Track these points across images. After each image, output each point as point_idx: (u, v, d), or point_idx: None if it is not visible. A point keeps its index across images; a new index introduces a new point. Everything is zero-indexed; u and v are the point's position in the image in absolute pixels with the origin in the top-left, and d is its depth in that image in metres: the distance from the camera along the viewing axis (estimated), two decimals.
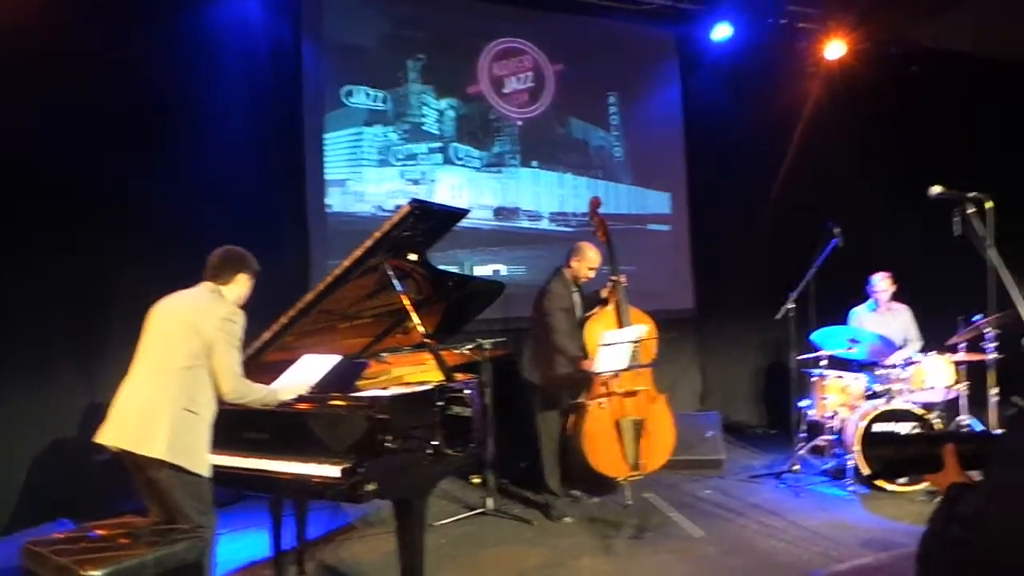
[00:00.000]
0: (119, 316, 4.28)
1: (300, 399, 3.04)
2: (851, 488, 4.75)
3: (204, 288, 3.00)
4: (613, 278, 4.56)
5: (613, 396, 4.44)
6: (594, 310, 4.63)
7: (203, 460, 2.83)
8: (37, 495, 4.24)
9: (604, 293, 4.63)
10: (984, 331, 4.58)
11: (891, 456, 1.77)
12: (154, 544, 2.61)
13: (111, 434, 2.83)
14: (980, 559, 1.35)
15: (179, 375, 2.80)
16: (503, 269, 6.16)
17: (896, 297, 5.48)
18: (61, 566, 2.49)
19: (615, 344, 4.08)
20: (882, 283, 5.43)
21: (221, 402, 2.91)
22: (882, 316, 5.44)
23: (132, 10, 4.78)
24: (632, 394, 4.46)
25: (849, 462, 4.81)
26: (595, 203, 4.77)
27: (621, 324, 4.50)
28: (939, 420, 4.66)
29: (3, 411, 4.32)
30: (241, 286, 3.08)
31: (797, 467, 5.08)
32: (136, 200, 4.74)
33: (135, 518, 2.85)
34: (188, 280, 4.63)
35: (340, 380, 3.08)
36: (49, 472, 4.31)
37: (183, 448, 2.77)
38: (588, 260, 4.54)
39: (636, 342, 4.07)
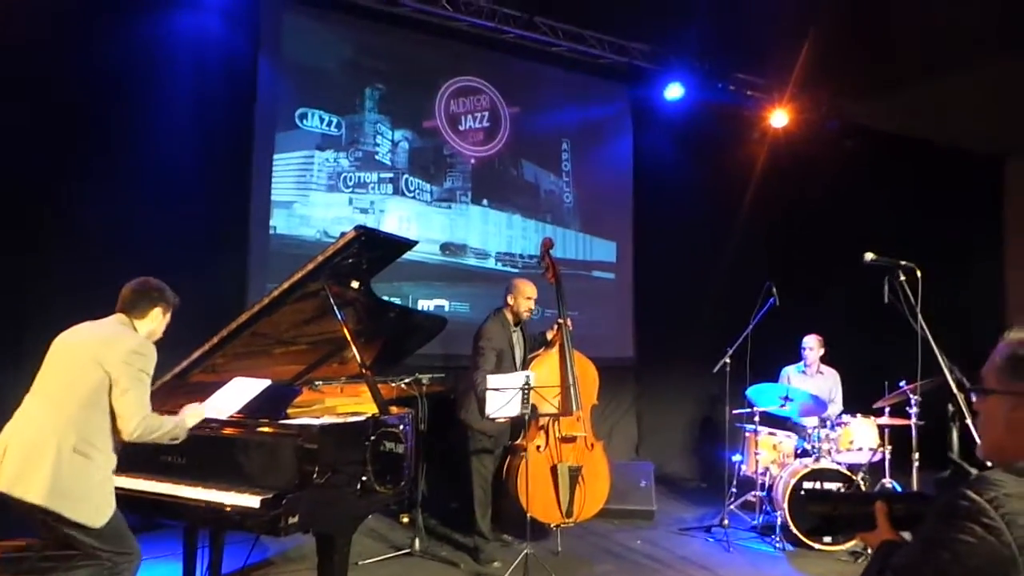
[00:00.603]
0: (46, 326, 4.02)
1: (225, 423, 2.89)
2: (779, 545, 4.79)
3: (114, 320, 2.80)
4: (559, 320, 4.55)
5: (551, 441, 4.39)
6: (538, 352, 4.60)
7: (91, 509, 2.53)
8: None
9: (550, 335, 4.62)
10: (909, 396, 4.74)
11: (828, 513, 1.78)
12: (47, 572, 2.40)
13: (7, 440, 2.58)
14: None
15: (74, 413, 2.56)
16: (447, 305, 6.10)
17: (825, 360, 5.65)
18: None
19: (501, 389, 3.95)
20: (812, 343, 5.60)
21: (123, 443, 2.67)
22: (812, 378, 5.59)
23: (87, 14, 4.65)
24: (571, 440, 4.42)
25: (778, 519, 4.86)
26: (547, 244, 4.79)
27: (564, 367, 4.49)
28: (864, 481, 4.76)
29: None
30: (155, 321, 2.88)
31: (727, 522, 5.10)
32: (74, 206, 4.55)
33: (31, 540, 2.63)
34: (111, 296, 4.46)
35: (270, 405, 2.95)
36: None
37: (65, 494, 2.48)
38: (523, 293, 4.55)
39: (524, 389, 3.93)
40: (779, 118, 7.19)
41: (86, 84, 4.66)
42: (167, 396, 3.18)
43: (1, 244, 4.30)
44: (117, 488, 2.80)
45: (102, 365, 2.59)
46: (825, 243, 6.51)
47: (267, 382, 3.08)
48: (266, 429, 2.83)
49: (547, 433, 4.40)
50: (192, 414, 2.84)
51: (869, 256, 3.44)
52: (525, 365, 4.56)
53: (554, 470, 4.36)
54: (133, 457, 2.94)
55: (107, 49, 4.74)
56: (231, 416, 2.91)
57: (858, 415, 5.05)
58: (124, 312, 2.82)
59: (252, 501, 2.63)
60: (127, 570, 2.63)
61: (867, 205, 6.74)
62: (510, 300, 4.57)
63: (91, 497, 2.55)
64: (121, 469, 2.88)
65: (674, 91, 7.02)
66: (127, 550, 2.63)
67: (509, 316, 4.58)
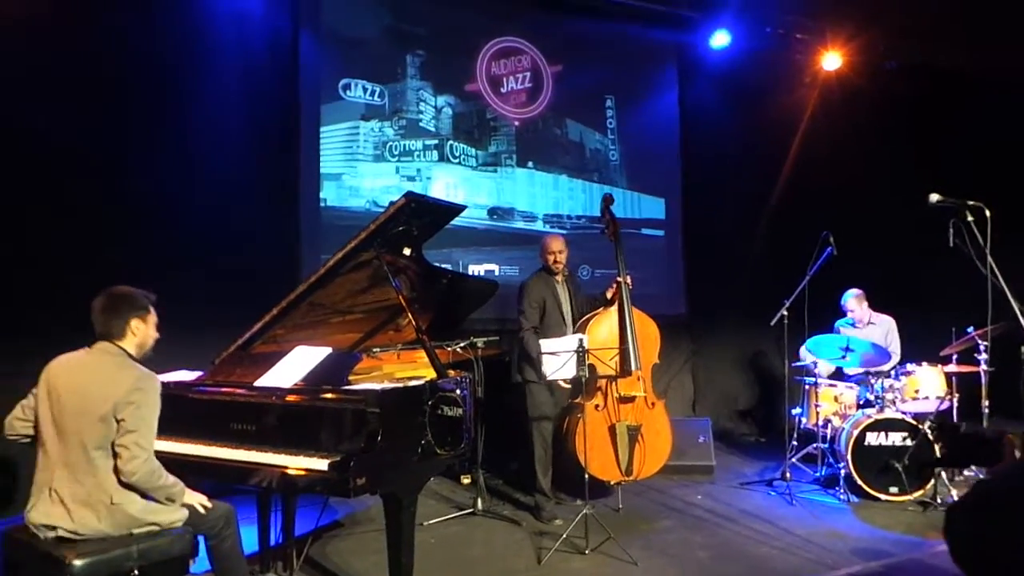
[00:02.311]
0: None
1: (291, 391, 2.98)
2: (843, 497, 4.74)
3: (101, 353, 2.63)
4: (618, 279, 4.51)
5: (609, 400, 4.40)
6: (597, 311, 4.58)
7: (159, 523, 2.57)
8: (17, 482, 4.14)
9: (609, 294, 4.59)
10: (978, 342, 4.58)
11: (960, 445, 1.78)
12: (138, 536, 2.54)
13: (54, 518, 2.50)
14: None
15: (99, 468, 2.50)
16: (497, 269, 6.11)
17: (880, 308, 5.49)
18: (45, 554, 2.41)
19: (555, 353, 3.96)
20: (852, 302, 5.47)
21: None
22: (863, 329, 5.45)
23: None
24: (629, 400, 4.41)
25: (842, 470, 4.79)
26: (607, 200, 4.72)
27: (623, 327, 4.46)
28: (931, 431, 4.65)
29: None
30: (138, 333, 2.69)
31: (788, 475, 5.05)
32: (129, 189, 4.68)
33: None
34: (175, 268, 4.59)
35: (332, 373, 3.02)
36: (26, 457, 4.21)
37: (132, 526, 2.53)
38: (545, 248, 4.62)
39: (580, 352, 3.92)
40: (831, 61, 6.91)
41: (131, 70, 4.75)
42: (232, 367, 3.30)
43: (55, 219, 4.44)
44: (192, 456, 2.94)
45: (112, 413, 2.49)
46: (884, 189, 6.27)
47: (328, 350, 3.15)
48: (329, 396, 2.90)
49: (605, 393, 4.41)
50: (191, 493, 2.75)
51: (935, 197, 3.31)
52: (577, 320, 4.58)
53: (612, 429, 4.37)
54: (206, 427, 3.08)
55: (151, 31, 4.82)
56: (296, 384, 2.99)
57: (924, 363, 4.91)
58: (106, 339, 2.65)
59: (321, 464, 2.71)
60: (226, 526, 2.77)
61: (927, 149, 6.44)
62: (540, 258, 4.68)
63: (160, 515, 2.59)
64: (195, 438, 3.02)
65: (720, 39, 6.80)
66: (215, 518, 2.75)
67: (546, 272, 4.64)
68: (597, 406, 4.38)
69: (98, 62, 4.58)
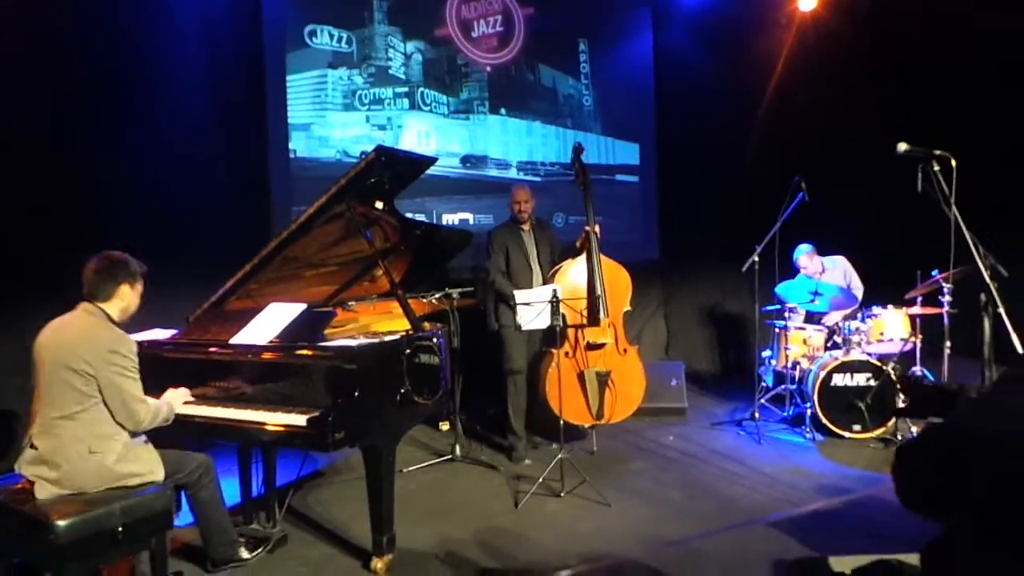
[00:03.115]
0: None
1: (267, 348, 2.99)
2: (808, 435, 4.91)
3: (83, 313, 2.72)
4: (587, 228, 4.53)
5: (579, 348, 4.47)
6: (566, 260, 4.62)
7: (137, 474, 2.66)
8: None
9: (578, 243, 4.62)
10: (941, 285, 4.70)
11: (921, 397, 1.87)
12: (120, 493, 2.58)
13: (36, 470, 2.61)
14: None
15: (76, 420, 2.60)
16: (471, 218, 6.10)
17: (831, 250, 5.58)
18: (26, 516, 2.45)
19: (529, 303, 4.06)
20: (803, 259, 5.52)
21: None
22: (820, 276, 5.52)
23: None
24: (597, 347, 4.49)
25: (808, 410, 4.96)
26: (578, 149, 4.72)
27: (591, 275, 4.50)
28: (894, 371, 4.80)
29: None
30: (125, 298, 2.79)
31: (757, 415, 5.22)
32: (93, 149, 4.55)
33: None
34: (144, 226, 4.51)
35: (307, 329, 3.03)
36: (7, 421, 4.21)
37: (106, 482, 2.61)
38: (511, 198, 4.73)
39: (553, 302, 4.02)
40: (807, 2, 6.83)
41: (88, 25, 4.56)
42: (207, 324, 3.29)
43: (23, 186, 4.32)
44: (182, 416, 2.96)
45: (86, 368, 2.59)
46: (855, 133, 6.29)
47: (302, 307, 3.16)
48: (306, 352, 2.92)
49: (575, 341, 4.48)
50: (176, 396, 2.95)
51: (903, 147, 3.33)
52: (546, 269, 4.66)
53: (581, 376, 4.46)
54: (183, 385, 3.09)
55: None
56: (271, 341, 3.00)
57: (889, 306, 5.04)
58: (90, 300, 2.73)
59: (299, 420, 2.75)
60: (205, 475, 2.88)
61: (902, 94, 6.44)
62: (508, 206, 4.76)
63: (136, 466, 2.67)
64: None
65: None
66: (193, 467, 2.85)
67: (513, 221, 4.72)
68: (567, 353, 4.45)
69: (52, 21, 4.39)
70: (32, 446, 2.62)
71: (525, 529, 3.60)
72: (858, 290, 5.48)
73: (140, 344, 3.25)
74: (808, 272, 5.51)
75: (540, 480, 4.03)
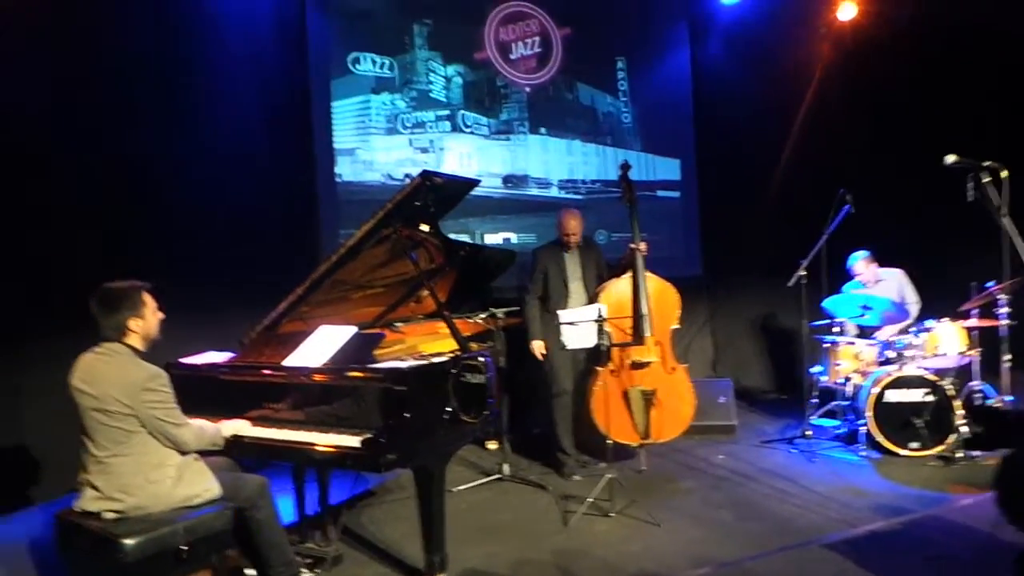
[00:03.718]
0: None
1: (319, 371, 3.06)
2: (863, 453, 4.79)
3: (108, 353, 2.71)
4: (632, 245, 4.52)
5: (623, 366, 4.46)
6: (609, 279, 4.62)
7: (196, 495, 2.73)
8: (63, 466, 4.30)
9: (624, 260, 4.62)
10: (997, 297, 4.57)
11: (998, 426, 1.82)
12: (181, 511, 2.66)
13: (100, 505, 2.66)
14: None
15: (126, 455, 2.65)
16: (514, 237, 6.15)
17: (885, 263, 5.46)
18: (96, 535, 2.53)
19: (573, 323, 4.06)
20: (860, 265, 5.43)
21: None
22: (872, 288, 5.42)
23: None
24: (641, 366, 4.46)
25: (862, 427, 4.84)
26: (625, 167, 4.68)
27: (636, 292, 4.49)
28: (952, 387, 4.67)
29: (27, 384, 4.37)
30: (137, 327, 2.75)
31: (809, 432, 5.11)
32: (146, 177, 4.71)
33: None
34: (195, 251, 4.64)
35: (358, 351, 3.09)
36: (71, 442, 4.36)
37: (169, 505, 2.68)
38: (559, 225, 4.71)
39: (598, 321, 4.00)
40: (847, 11, 6.75)
41: (143, 57, 4.73)
42: (260, 347, 3.38)
43: (77, 208, 4.49)
44: (227, 436, 3.03)
45: (122, 409, 2.62)
46: (901, 145, 6.16)
47: (353, 329, 3.22)
48: (357, 374, 2.97)
49: (620, 359, 4.46)
50: (230, 426, 3.01)
51: (951, 158, 3.30)
52: (587, 289, 4.67)
53: (625, 394, 4.44)
54: (238, 407, 3.17)
55: (160, 17, 4.81)
56: (324, 364, 3.06)
57: (944, 320, 4.91)
58: (109, 339, 2.73)
59: (352, 441, 2.80)
60: (261, 497, 2.90)
61: (948, 104, 6.29)
62: (556, 229, 4.77)
63: (186, 488, 2.73)
64: (227, 418, 3.11)
65: None
66: (250, 490, 2.88)
67: (559, 243, 4.74)
68: (612, 371, 4.44)
69: (109, 51, 4.58)
70: (92, 486, 2.66)
71: (575, 549, 3.58)
72: (913, 306, 5.34)
73: (197, 367, 3.38)
74: (862, 279, 5.40)
75: (589, 500, 4.01)
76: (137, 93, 4.72)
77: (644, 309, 4.46)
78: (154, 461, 2.68)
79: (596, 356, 4.42)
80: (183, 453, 2.78)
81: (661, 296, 4.57)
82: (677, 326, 4.65)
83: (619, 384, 4.45)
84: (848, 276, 5.54)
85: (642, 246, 4.51)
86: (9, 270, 4.28)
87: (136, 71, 4.72)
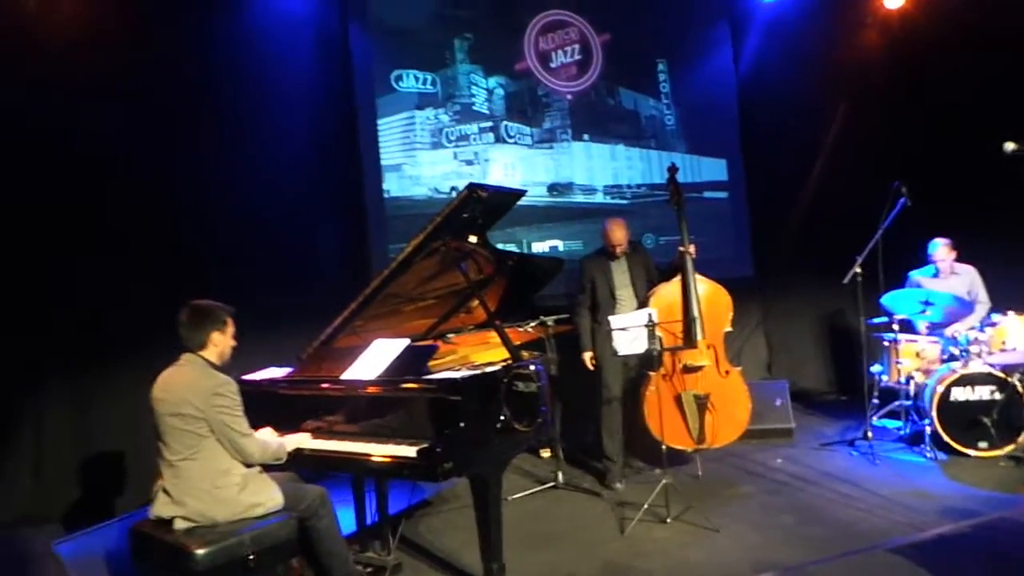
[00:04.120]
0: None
1: (375, 383, 3.12)
2: (929, 454, 4.64)
3: (186, 363, 2.94)
4: (681, 248, 4.50)
5: (675, 371, 4.43)
6: (659, 284, 4.61)
7: (260, 504, 2.85)
8: (141, 480, 4.49)
9: (674, 263, 4.60)
10: None
11: None
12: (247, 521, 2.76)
13: (171, 510, 2.82)
14: None
15: (196, 460, 2.81)
16: (561, 245, 6.16)
17: (960, 258, 5.29)
18: (169, 546, 2.64)
19: (624, 329, 4.04)
20: (941, 251, 5.25)
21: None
22: (945, 280, 5.25)
23: (175, 9, 4.86)
24: (694, 370, 4.42)
25: (927, 428, 4.69)
26: (673, 170, 4.67)
27: (686, 297, 4.46)
28: (1021, 382, 4.49)
29: (104, 399, 4.58)
30: (218, 344, 2.98)
31: (870, 434, 4.97)
32: (199, 199, 4.87)
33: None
34: (251, 271, 4.78)
35: (411, 364, 3.15)
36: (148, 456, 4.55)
37: (234, 513, 2.80)
38: (606, 236, 4.67)
39: (649, 326, 3.98)
40: None
41: (193, 82, 4.88)
42: (318, 362, 3.47)
43: (133, 224, 4.66)
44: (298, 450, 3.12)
45: (194, 412, 2.79)
46: (956, 135, 5.96)
47: (406, 342, 3.28)
48: (412, 385, 3.03)
49: (672, 363, 4.43)
50: (296, 439, 3.13)
51: (1010, 146, 3.19)
52: (635, 295, 4.65)
53: (678, 399, 4.41)
54: (298, 420, 3.26)
55: (208, 42, 4.97)
56: (379, 376, 3.13)
57: (1009, 313, 4.73)
58: (189, 351, 2.95)
59: (409, 451, 2.86)
60: (322, 506, 2.98)
61: (1003, 90, 6.06)
62: (603, 238, 4.73)
63: (258, 496, 2.86)
64: (288, 431, 3.20)
65: None
66: (311, 499, 2.97)
67: (605, 251, 4.71)
68: (664, 376, 4.42)
69: (160, 75, 4.73)
70: (164, 491, 2.83)
71: (634, 556, 3.57)
72: (982, 305, 5.16)
73: (258, 383, 3.49)
74: (942, 266, 5.23)
75: (645, 506, 3.98)
76: (189, 119, 4.86)
77: (695, 312, 4.43)
78: (221, 468, 2.82)
79: (648, 361, 4.40)
80: (248, 465, 2.90)
81: (712, 299, 4.52)
82: (729, 329, 4.60)
83: (671, 389, 4.42)
84: (918, 261, 5.36)
85: (691, 249, 4.48)
86: (69, 294, 4.49)
87: (187, 96, 4.86)
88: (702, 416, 4.39)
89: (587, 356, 4.64)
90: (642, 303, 4.58)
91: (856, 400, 5.60)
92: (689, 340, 4.41)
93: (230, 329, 3.03)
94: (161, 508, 2.82)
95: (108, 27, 4.54)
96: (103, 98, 4.55)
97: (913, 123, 6.27)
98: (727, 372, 4.49)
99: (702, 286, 4.52)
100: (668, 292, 4.52)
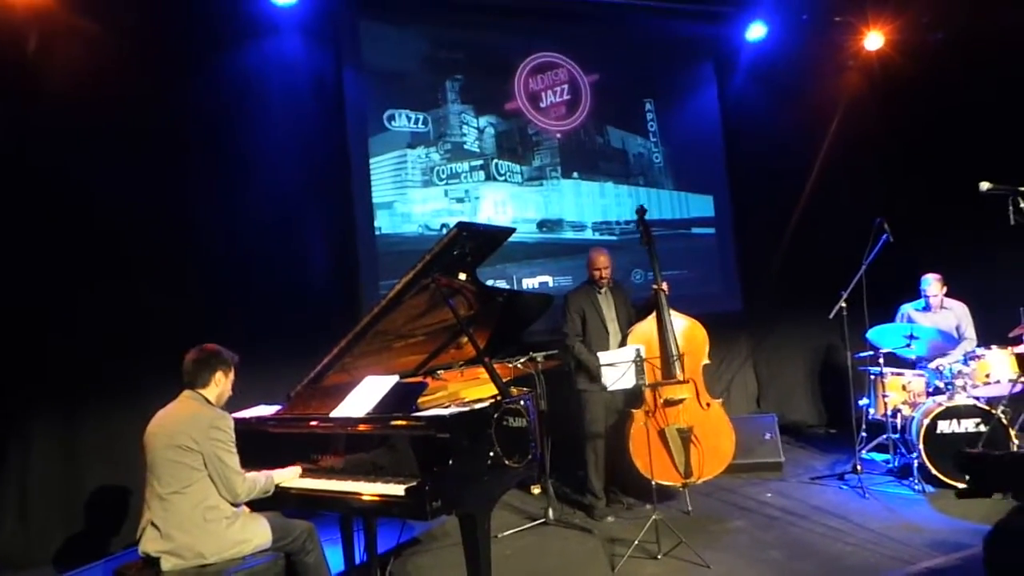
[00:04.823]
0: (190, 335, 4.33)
1: (363, 420, 3.14)
2: (918, 487, 4.66)
3: (185, 399, 3.05)
4: (654, 286, 4.61)
5: (657, 406, 4.48)
6: (638, 321, 4.69)
7: (247, 540, 2.89)
8: (133, 520, 4.45)
9: (649, 302, 4.69)
10: None
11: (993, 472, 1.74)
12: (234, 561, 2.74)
13: (158, 545, 2.84)
14: None
15: (186, 494, 2.84)
16: (550, 280, 6.22)
17: (950, 294, 5.37)
18: None
19: (613, 364, 4.11)
20: (934, 287, 5.34)
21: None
22: (935, 314, 5.33)
23: (175, 53, 4.98)
24: (675, 403, 4.49)
25: (915, 461, 4.72)
26: (641, 211, 4.88)
27: (661, 333, 4.55)
28: (1004, 415, 4.54)
29: (94, 440, 4.58)
30: (219, 385, 3.11)
31: (859, 467, 4.99)
32: (191, 238, 4.94)
33: None
34: (242, 307, 4.81)
35: (400, 401, 3.17)
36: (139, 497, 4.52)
37: (233, 546, 2.84)
38: (590, 263, 4.79)
39: (637, 361, 4.05)
40: (873, 40, 6.78)
41: (187, 124, 4.99)
42: (307, 399, 3.48)
43: (126, 265, 4.72)
44: (277, 488, 3.12)
45: (192, 445, 2.86)
46: (937, 171, 6.10)
47: (395, 379, 3.31)
48: (401, 423, 3.05)
49: (653, 399, 4.48)
50: (280, 474, 3.15)
51: (985, 185, 3.28)
52: (623, 330, 4.73)
53: (662, 434, 4.45)
54: (286, 459, 3.26)
55: (204, 85, 5.07)
56: (368, 413, 3.15)
57: (993, 347, 4.80)
58: (190, 387, 3.06)
59: (397, 490, 2.86)
60: (309, 541, 3.04)
61: (980, 130, 6.22)
62: (587, 270, 4.85)
63: (245, 533, 2.89)
64: (276, 469, 3.21)
65: (756, 31, 6.79)
66: (298, 534, 3.01)
67: (590, 284, 4.81)
68: (647, 412, 4.47)
69: (155, 117, 4.82)
70: (153, 525, 2.84)
71: None
72: (968, 341, 5.24)
73: (247, 420, 3.50)
74: (933, 300, 5.31)
75: (636, 542, 3.98)
76: (184, 158, 4.96)
77: (672, 348, 4.52)
78: (211, 503, 2.85)
79: (632, 399, 4.46)
80: (235, 505, 2.90)
81: (689, 333, 4.65)
82: (707, 362, 4.70)
83: (655, 424, 4.47)
84: (895, 300, 5.44)
85: (664, 286, 4.61)
86: (55, 331, 4.51)
87: (180, 135, 4.95)
88: (687, 449, 4.45)
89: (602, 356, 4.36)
90: (622, 340, 4.66)
91: (845, 433, 5.63)
92: (668, 374, 4.50)
93: (232, 374, 3.16)
94: (148, 544, 2.83)
95: (109, 68, 4.64)
96: (97, 135, 4.64)
97: (895, 160, 6.42)
98: (708, 404, 4.57)
99: (678, 321, 4.64)
100: (645, 329, 4.63)
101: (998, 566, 1.50)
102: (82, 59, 4.58)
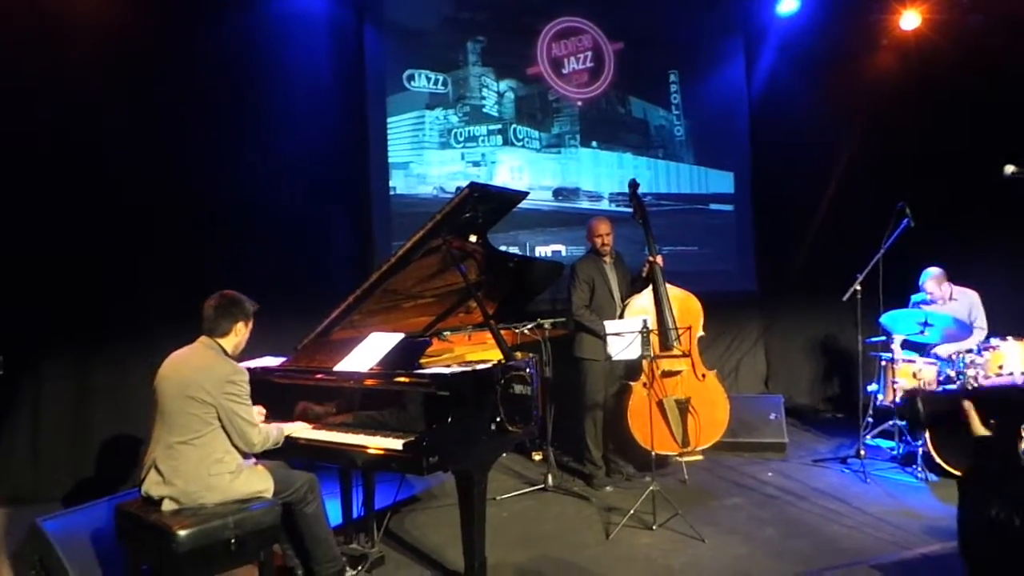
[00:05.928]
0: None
1: (367, 375, 3.16)
2: (920, 475, 4.64)
3: (202, 346, 3.00)
4: (649, 259, 4.60)
5: (654, 377, 4.52)
6: (634, 293, 4.73)
7: (250, 490, 2.89)
8: (128, 462, 4.54)
9: (644, 274, 4.70)
10: None
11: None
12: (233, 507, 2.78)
13: (161, 490, 2.84)
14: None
15: (194, 445, 2.83)
16: (563, 249, 6.19)
17: (962, 282, 5.27)
18: (153, 526, 2.68)
19: (620, 334, 4.12)
20: (930, 284, 5.25)
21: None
22: (945, 305, 5.24)
23: (197, 6, 4.96)
24: (672, 374, 4.57)
25: (920, 449, 4.68)
26: (634, 185, 4.92)
27: (658, 304, 4.60)
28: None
29: (100, 383, 4.64)
30: (238, 335, 3.07)
31: (863, 452, 4.96)
32: (208, 190, 4.94)
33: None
34: (256, 261, 4.84)
35: (404, 357, 3.18)
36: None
37: (228, 497, 2.85)
38: (591, 231, 4.77)
39: (643, 332, 4.04)
40: (909, 20, 6.57)
41: (206, 78, 4.97)
42: (313, 353, 3.50)
43: (141, 212, 4.74)
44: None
45: (205, 397, 2.84)
46: (965, 158, 5.95)
47: (400, 336, 3.32)
48: (403, 379, 3.06)
49: (651, 371, 4.50)
50: (290, 426, 3.16)
51: (1010, 168, 3.20)
52: (624, 300, 4.75)
53: (660, 404, 4.51)
54: (290, 409, 3.30)
55: (223, 39, 5.03)
56: (371, 369, 3.16)
57: (1008, 337, 4.72)
58: (208, 334, 3.01)
59: (395, 444, 2.88)
60: (310, 492, 3.06)
61: (1016, 114, 6.05)
62: (588, 239, 4.82)
63: (243, 485, 2.89)
64: (279, 419, 3.24)
65: (788, 4, 6.63)
66: (299, 485, 3.03)
67: (595, 253, 4.79)
68: (645, 384, 4.50)
69: (172, 67, 4.83)
70: (156, 469, 2.85)
71: (616, 561, 3.58)
72: (980, 330, 5.15)
73: (252, 370, 3.52)
74: (934, 298, 5.24)
75: (631, 512, 4.00)
76: (200, 114, 4.95)
77: (668, 320, 4.56)
78: (216, 456, 2.86)
79: (632, 372, 4.49)
80: (245, 456, 2.94)
81: (684, 306, 4.69)
82: (702, 334, 4.77)
83: (653, 395, 4.49)
84: (913, 289, 5.37)
85: (658, 259, 4.64)
86: (73, 275, 4.57)
87: (199, 92, 4.94)
88: (684, 420, 4.53)
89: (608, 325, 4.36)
90: (621, 312, 4.65)
91: (851, 418, 5.60)
92: (665, 345, 4.55)
93: (250, 325, 3.12)
94: (151, 486, 2.85)
95: (125, 24, 4.62)
96: (114, 93, 4.65)
97: (923, 145, 6.26)
98: (703, 375, 4.64)
99: (673, 293, 4.66)
100: (640, 303, 4.66)
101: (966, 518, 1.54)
102: (98, 14, 4.55)
